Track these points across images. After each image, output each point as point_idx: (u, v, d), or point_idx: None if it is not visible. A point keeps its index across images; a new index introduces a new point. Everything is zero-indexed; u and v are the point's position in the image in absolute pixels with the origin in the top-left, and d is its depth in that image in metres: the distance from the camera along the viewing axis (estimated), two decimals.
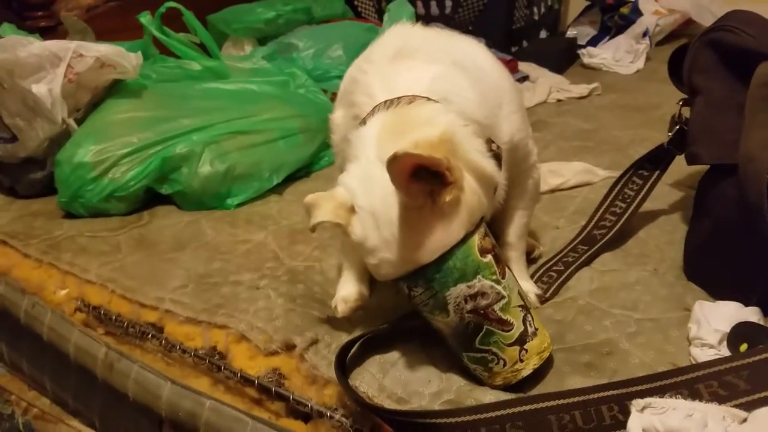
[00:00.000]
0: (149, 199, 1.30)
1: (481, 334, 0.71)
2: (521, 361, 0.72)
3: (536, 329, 0.74)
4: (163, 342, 0.88)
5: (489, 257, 0.71)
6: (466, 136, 0.72)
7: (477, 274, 0.70)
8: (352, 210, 0.72)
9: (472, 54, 0.85)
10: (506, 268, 0.74)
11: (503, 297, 0.71)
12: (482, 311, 0.71)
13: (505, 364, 0.72)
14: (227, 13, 2.01)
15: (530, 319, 0.74)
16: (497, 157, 0.75)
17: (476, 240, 0.71)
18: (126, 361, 0.89)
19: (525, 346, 0.72)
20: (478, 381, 0.76)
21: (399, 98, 0.74)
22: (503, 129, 0.83)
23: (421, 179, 0.66)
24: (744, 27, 0.91)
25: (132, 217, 1.26)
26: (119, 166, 1.24)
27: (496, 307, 0.71)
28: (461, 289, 0.70)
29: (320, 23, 2.08)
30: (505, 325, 0.71)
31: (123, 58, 1.34)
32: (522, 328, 0.72)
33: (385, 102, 0.75)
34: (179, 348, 0.87)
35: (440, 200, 0.67)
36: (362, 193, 0.72)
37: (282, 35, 1.94)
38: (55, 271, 1.07)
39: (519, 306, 0.73)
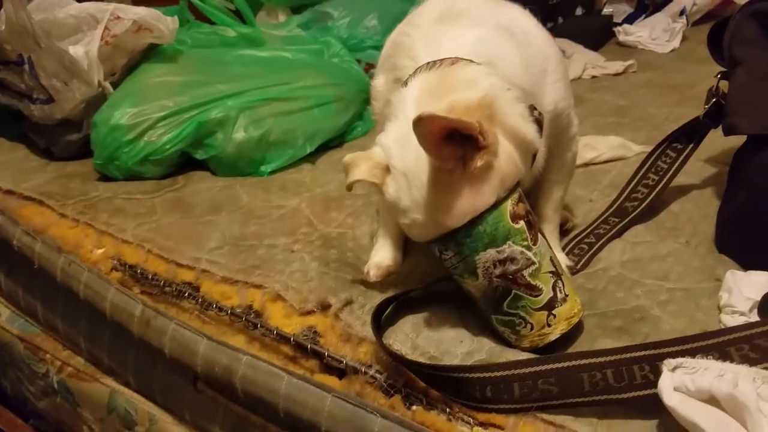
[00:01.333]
0: (183, 163, 1.32)
1: (509, 298, 0.72)
2: (549, 325, 0.73)
3: (566, 295, 0.74)
4: (200, 300, 0.90)
5: (521, 223, 0.72)
6: (508, 100, 0.72)
7: (507, 239, 0.71)
8: (387, 170, 0.73)
9: (518, 19, 0.85)
10: (540, 234, 0.74)
11: (533, 263, 0.72)
12: (511, 276, 0.71)
13: (532, 328, 0.73)
14: None
15: (561, 285, 0.74)
16: (539, 123, 0.75)
17: (508, 206, 0.71)
18: (162, 318, 0.91)
19: (553, 312, 0.73)
20: (509, 343, 0.77)
21: (442, 60, 0.74)
22: (547, 97, 0.83)
23: (454, 142, 0.66)
24: None
25: (167, 180, 1.27)
26: (155, 129, 1.26)
27: (526, 273, 0.71)
28: (490, 254, 0.70)
29: None
30: (534, 290, 0.72)
31: (160, 21, 1.35)
32: (551, 294, 0.73)
33: (428, 63, 0.75)
34: (216, 306, 0.89)
35: (471, 165, 0.68)
36: (397, 153, 0.72)
37: (317, 4, 1.94)
38: (91, 230, 1.08)
39: (550, 272, 0.73)
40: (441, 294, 0.84)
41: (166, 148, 1.25)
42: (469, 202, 0.70)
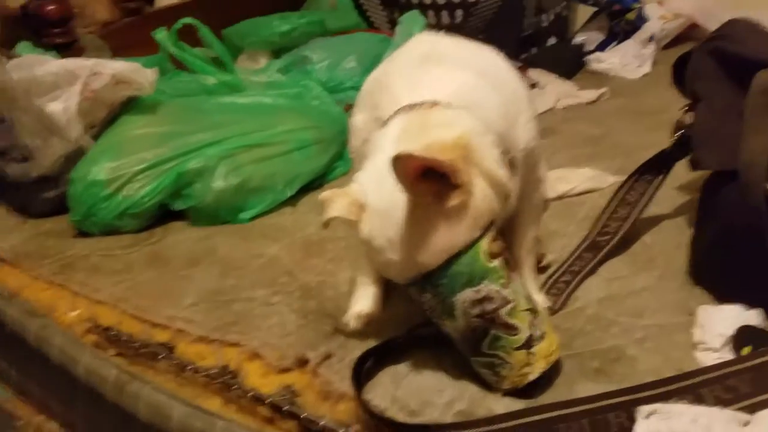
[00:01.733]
0: (162, 215, 1.32)
1: (488, 339, 0.72)
2: (528, 364, 0.73)
3: (544, 333, 0.75)
4: (175, 362, 0.90)
5: (497, 262, 0.72)
6: (484, 144, 0.74)
7: (484, 278, 0.71)
8: (364, 207, 0.74)
9: (494, 63, 0.87)
10: (513, 273, 0.75)
11: (510, 301, 0.72)
12: (489, 316, 0.72)
13: (512, 368, 0.73)
14: (243, 26, 2.03)
15: (538, 323, 0.74)
16: (512, 166, 0.77)
17: (484, 244, 0.72)
18: (137, 382, 0.90)
19: (532, 350, 0.73)
20: (490, 387, 0.76)
21: (422, 103, 0.76)
22: (521, 137, 0.84)
23: (430, 179, 0.67)
24: (744, 35, 0.92)
25: (144, 233, 1.27)
26: (133, 182, 1.26)
27: (503, 312, 0.72)
28: (468, 294, 0.71)
29: (334, 35, 2.09)
30: (512, 329, 0.72)
31: (139, 74, 1.36)
32: (529, 333, 0.73)
33: (409, 105, 0.76)
34: (191, 368, 0.88)
35: (447, 202, 0.69)
36: (373, 190, 0.74)
37: (296, 48, 1.96)
38: (66, 291, 1.08)
39: (526, 310, 0.74)
40: (421, 338, 0.84)
41: (144, 201, 1.26)
42: (444, 240, 0.70)
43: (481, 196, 0.71)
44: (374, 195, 0.73)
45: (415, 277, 0.73)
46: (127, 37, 1.88)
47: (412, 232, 0.70)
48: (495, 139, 0.75)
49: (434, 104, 0.76)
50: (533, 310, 0.75)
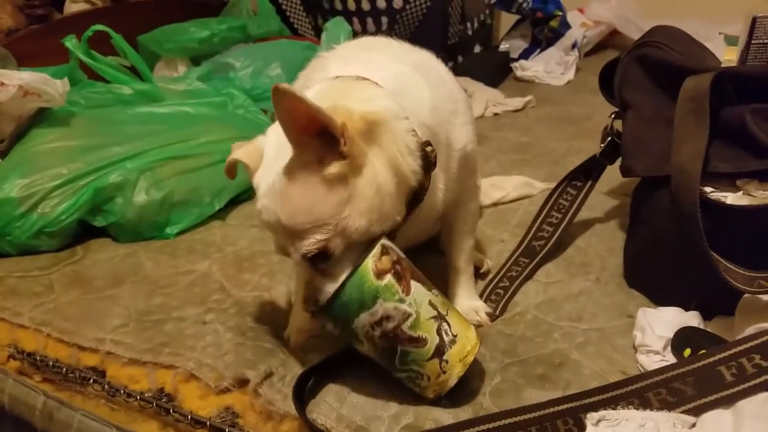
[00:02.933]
0: (82, 232, 1.24)
1: (398, 356, 0.71)
2: (444, 372, 0.72)
3: (455, 336, 0.73)
4: (106, 387, 0.84)
5: (388, 278, 0.70)
6: (399, 129, 0.72)
7: (377, 298, 0.70)
8: (262, 156, 0.74)
9: (431, 62, 0.87)
10: (413, 281, 0.72)
11: (410, 315, 0.71)
12: (392, 334, 0.70)
13: (429, 379, 0.72)
14: (159, 33, 1.95)
15: (446, 327, 0.73)
16: (428, 161, 0.75)
17: (369, 265, 0.70)
18: (66, 409, 0.84)
19: (444, 357, 0.72)
20: (434, 402, 0.75)
21: (349, 76, 0.75)
22: (458, 138, 0.84)
23: (320, 140, 0.66)
24: (670, 43, 0.95)
25: (65, 252, 1.19)
26: (49, 199, 1.18)
27: (404, 327, 0.70)
28: (365, 318, 0.70)
29: (257, 41, 2.05)
30: (418, 342, 0.71)
31: (48, 85, 1.27)
32: (438, 340, 0.71)
33: (336, 77, 0.76)
34: (123, 392, 0.82)
35: (325, 168, 0.67)
36: (272, 140, 0.73)
37: (217, 54, 1.90)
38: None
39: (431, 318, 0.72)
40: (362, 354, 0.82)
41: (61, 219, 1.18)
42: (310, 204, 0.68)
43: (370, 180, 0.69)
44: (270, 143, 0.73)
45: (313, 311, 0.73)
46: (34, 45, 1.76)
47: (286, 185, 0.68)
48: (414, 129, 0.74)
49: (361, 78, 0.75)
50: (439, 316, 0.73)
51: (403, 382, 0.75)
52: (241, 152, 0.76)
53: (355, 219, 0.69)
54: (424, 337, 0.71)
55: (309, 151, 0.67)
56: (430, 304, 0.73)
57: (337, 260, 0.71)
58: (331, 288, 0.71)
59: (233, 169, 0.79)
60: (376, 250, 0.70)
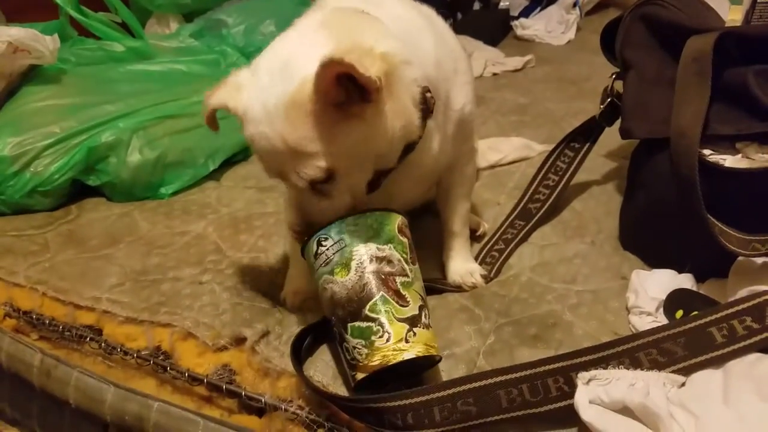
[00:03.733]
0: (76, 191, 1.23)
1: (373, 300, 0.68)
2: (407, 341, 0.68)
3: (430, 326, 0.72)
4: (103, 344, 0.85)
5: (405, 239, 0.72)
6: (408, 76, 0.71)
7: (390, 242, 0.71)
8: (242, 87, 0.71)
9: (436, 19, 0.85)
10: (416, 263, 0.74)
11: (407, 275, 0.71)
12: (384, 276, 0.69)
13: (389, 339, 0.68)
14: None
15: (426, 313, 0.72)
16: (426, 110, 0.74)
17: (397, 220, 0.72)
18: (64, 367, 0.85)
19: (414, 329, 0.69)
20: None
21: (350, 7, 0.73)
22: (457, 96, 0.83)
23: (343, 84, 0.65)
24: (674, 1, 0.93)
25: (59, 212, 1.19)
26: (41, 158, 1.17)
27: (398, 280, 0.70)
28: (371, 247, 0.70)
29: None
30: (402, 299, 0.69)
31: (38, 41, 1.25)
32: (416, 312, 0.70)
33: (338, 8, 0.73)
34: (120, 350, 0.83)
35: (346, 106, 0.66)
36: (264, 66, 0.70)
37: (210, 11, 1.86)
38: None
39: (419, 295, 0.72)
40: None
41: (54, 177, 1.17)
42: (323, 134, 0.66)
43: (382, 123, 0.68)
44: (263, 72, 0.69)
45: (325, 225, 0.70)
46: (22, 0, 1.72)
47: (298, 113, 0.66)
48: (418, 78, 0.73)
49: (363, 11, 0.72)
50: (424, 303, 0.72)
51: (352, 339, 0.69)
52: (218, 97, 0.73)
53: (362, 154, 0.70)
54: (408, 299, 0.70)
55: (331, 92, 0.65)
56: (422, 288, 0.73)
57: (336, 185, 0.70)
58: (329, 209, 0.70)
59: (213, 118, 0.77)
60: (405, 218, 0.74)
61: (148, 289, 0.93)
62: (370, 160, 0.71)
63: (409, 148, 0.76)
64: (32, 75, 1.30)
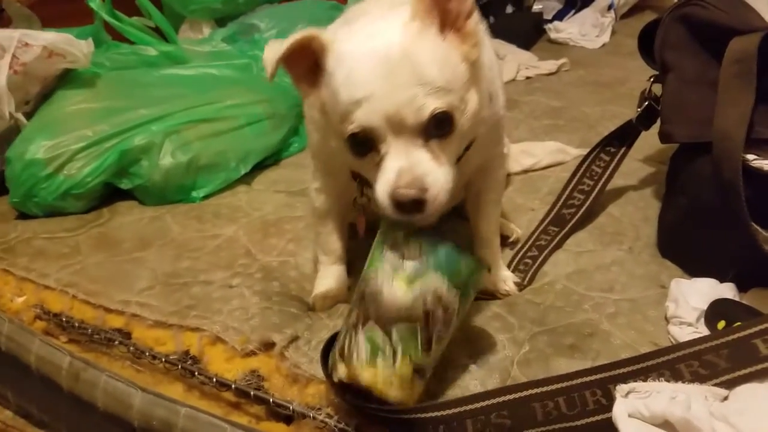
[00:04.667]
0: (108, 194, 1.24)
1: (407, 328, 0.66)
2: (401, 384, 0.66)
3: (427, 380, 0.70)
4: (132, 348, 0.85)
5: (470, 298, 0.71)
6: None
7: (459, 292, 0.68)
8: (329, 46, 0.67)
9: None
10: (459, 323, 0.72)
11: (448, 330, 0.69)
12: (431, 318, 0.67)
13: (389, 368, 0.65)
14: None
15: (431, 371, 0.70)
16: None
17: (483, 276, 0.71)
18: (92, 370, 0.85)
19: (415, 380, 0.67)
20: (462, 369, 0.74)
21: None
22: (499, 99, 0.81)
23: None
24: (714, 1, 0.90)
25: (91, 215, 1.20)
26: (74, 161, 1.19)
27: (438, 329, 0.67)
28: (443, 286, 0.66)
29: (282, 2, 2.02)
30: (428, 347, 0.67)
31: (72, 45, 1.27)
32: (427, 366, 0.68)
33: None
34: (149, 354, 0.83)
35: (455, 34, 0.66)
36: (355, 33, 0.67)
37: (242, 15, 1.87)
38: (10, 277, 1.02)
39: (440, 354, 0.70)
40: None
41: (87, 180, 1.18)
42: (445, 63, 0.65)
43: (482, 75, 0.71)
44: (357, 36, 0.67)
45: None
46: (58, 6, 1.74)
47: (419, 45, 0.64)
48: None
49: None
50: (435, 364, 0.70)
51: (363, 336, 0.67)
52: (293, 42, 0.68)
53: (474, 102, 0.68)
54: (431, 351, 0.68)
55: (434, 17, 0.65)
56: (444, 348, 0.71)
57: (450, 139, 0.67)
58: (434, 180, 0.65)
59: (275, 69, 0.71)
60: None
61: (178, 292, 0.93)
62: (477, 119, 0.69)
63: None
64: (67, 79, 1.31)
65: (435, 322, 0.67)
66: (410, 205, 0.64)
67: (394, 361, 0.65)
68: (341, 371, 0.67)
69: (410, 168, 0.65)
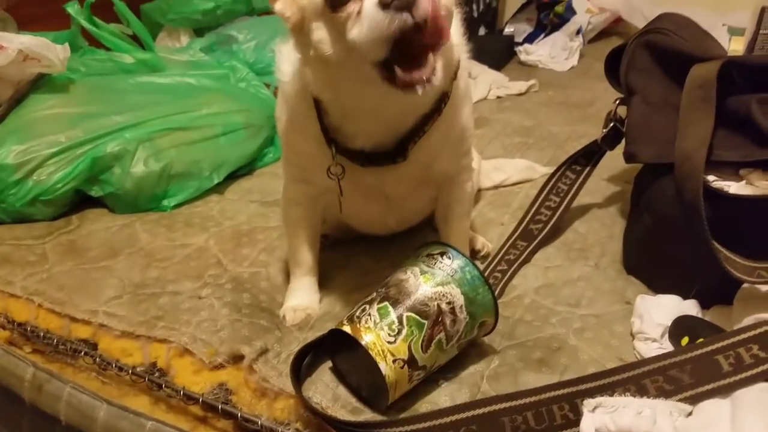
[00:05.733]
0: (78, 201, 1.23)
1: (417, 319, 0.72)
2: (394, 362, 0.70)
3: (412, 385, 0.73)
4: (98, 359, 0.83)
5: (471, 336, 0.76)
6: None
7: (467, 316, 0.74)
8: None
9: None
10: (458, 351, 0.77)
11: (449, 342, 0.73)
12: (439, 321, 0.72)
13: (388, 342, 0.70)
14: (162, 2, 1.93)
15: (419, 377, 0.73)
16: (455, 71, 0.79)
17: (491, 317, 0.77)
18: (56, 381, 0.84)
19: (407, 368, 0.70)
20: (432, 383, 0.75)
21: None
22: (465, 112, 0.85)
23: None
24: (677, 30, 0.94)
25: (60, 221, 1.18)
26: (45, 167, 1.17)
27: (440, 336, 0.72)
28: (459, 301, 0.73)
29: (261, 15, 2.02)
30: (427, 346, 0.72)
31: (49, 50, 1.25)
32: (420, 364, 0.71)
33: None
34: (115, 365, 0.82)
35: None
36: None
37: (221, 26, 1.88)
38: None
39: (434, 362, 0.73)
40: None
41: (57, 187, 1.16)
42: None
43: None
44: None
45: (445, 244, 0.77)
46: (35, 10, 1.72)
47: None
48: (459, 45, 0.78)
49: None
50: (426, 372, 0.74)
51: (372, 309, 0.73)
52: None
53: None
54: (429, 352, 0.72)
55: None
56: (439, 365, 0.76)
57: None
58: None
59: None
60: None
61: (146, 302, 0.92)
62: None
63: (444, 98, 0.79)
64: (41, 83, 1.30)
65: (441, 327, 0.73)
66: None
67: (395, 339, 0.70)
68: (346, 328, 0.72)
69: None
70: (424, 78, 0.65)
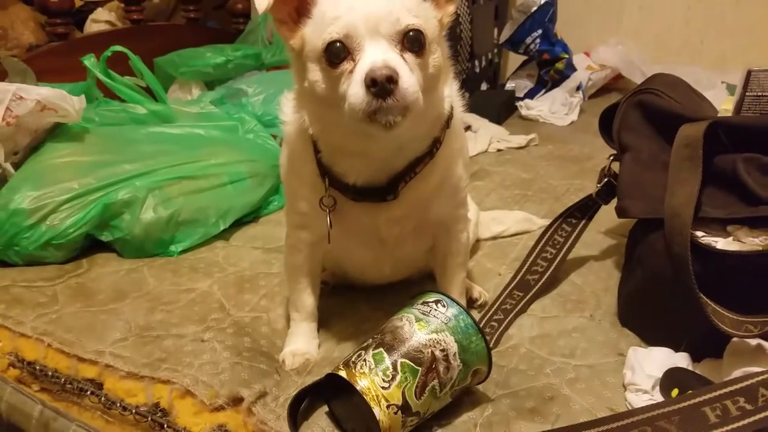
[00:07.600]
0: (88, 246, 1.26)
1: (411, 365, 0.74)
2: (387, 408, 0.72)
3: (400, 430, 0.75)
4: (103, 399, 0.86)
5: (465, 384, 0.79)
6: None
7: (462, 363, 0.76)
8: None
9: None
10: (451, 399, 0.79)
11: (443, 389, 0.75)
12: (432, 368, 0.74)
13: (381, 384, 0.72)
14: (175, 56, 2.01)
15: (414, 424, 0.75)
16: (448, 120, 0.85)
17: (485, 366, 0.80)
18: (62, 419, 0.86)
19: (402, 413, 0.72)
20: (425, 430, 0.77)
21: None
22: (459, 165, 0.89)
23: None
24: (668, 91, 0.98)
25: (70, 265, 1.22)
26: (58, 212, 1.21)
27: (433, 383, 0.74)
28: (452, 348, 0.75)
29: (270, 69, 2.10)
30: (421, 392, 0.74)
31: (65, 101, 1.31)
32: (414, 410, 0.73)
33: None
34: (119, 405, 0.84)
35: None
36: None
37: (231, 80, 1.95)
38: None
39: (428, 409, 0.75)
40: None
41: (69, 232, 1.20)
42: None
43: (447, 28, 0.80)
44: None
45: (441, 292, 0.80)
46: (53, 62, 1.81)
47: None
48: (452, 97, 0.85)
49: None
50: (419, 419, 0.75)
51: (367, 355, 0.75)
52: None
53: (439, 54, 0.77)
54: (422, 398, 0.74)
55: None
56: (432, 411, 0.77)
57: (419, 64, 0.74)
58: (405, 74, 0.71)
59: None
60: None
61: (151, 344, 0.95)
62: (439, 62, 0.77)
63: (435, 144, 0.83)
64: (57, 132, 1.35)
65: (435, 373, 0.75)
66: (383, 84, 0.69)
67: (390, 385, 0.72)
68: (342, 373, 0.74)
69: (385, 60, 0.71)
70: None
